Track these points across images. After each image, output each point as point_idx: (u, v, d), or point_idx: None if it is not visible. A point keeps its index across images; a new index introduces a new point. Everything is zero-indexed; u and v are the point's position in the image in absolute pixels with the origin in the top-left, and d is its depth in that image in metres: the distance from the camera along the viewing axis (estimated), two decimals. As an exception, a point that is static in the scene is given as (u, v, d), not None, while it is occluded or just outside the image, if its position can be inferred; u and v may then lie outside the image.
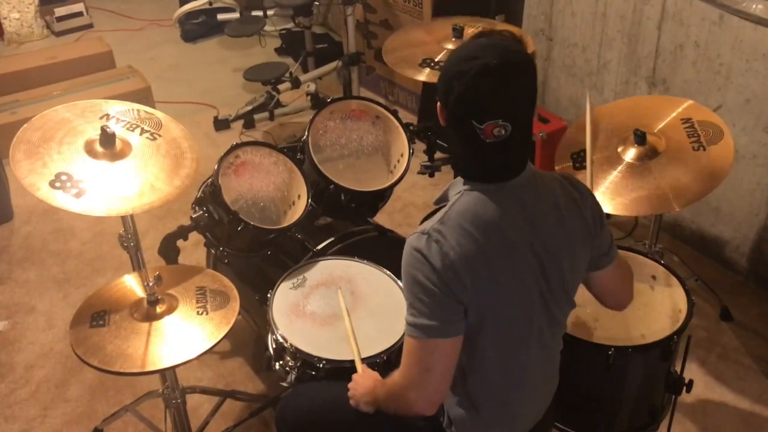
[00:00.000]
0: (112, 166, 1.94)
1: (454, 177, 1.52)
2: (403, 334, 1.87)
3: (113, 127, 1.99)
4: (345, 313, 1.95)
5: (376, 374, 1.68)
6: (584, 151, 2.21)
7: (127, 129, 2.03)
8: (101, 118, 2.03)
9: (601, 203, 1.57)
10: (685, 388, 1.99)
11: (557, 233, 1.46)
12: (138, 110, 2.11)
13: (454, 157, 1.45)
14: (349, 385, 1.68)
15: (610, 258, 1.59)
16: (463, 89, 1.32)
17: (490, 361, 1.50)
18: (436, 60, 2.57)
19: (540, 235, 1.44)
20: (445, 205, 1.45)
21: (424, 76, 2.54)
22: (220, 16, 4.82)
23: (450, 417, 1.58)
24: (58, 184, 1.84)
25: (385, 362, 1.86)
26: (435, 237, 1.38)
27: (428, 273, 1.37)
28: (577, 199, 1.50)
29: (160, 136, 2.06)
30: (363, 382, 1.67)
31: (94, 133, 1.97)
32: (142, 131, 2.05)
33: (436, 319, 1.39)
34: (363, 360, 1.84)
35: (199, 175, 2.05)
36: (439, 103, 1.41)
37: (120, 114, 2.07)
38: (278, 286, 2.08)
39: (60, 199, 1.82)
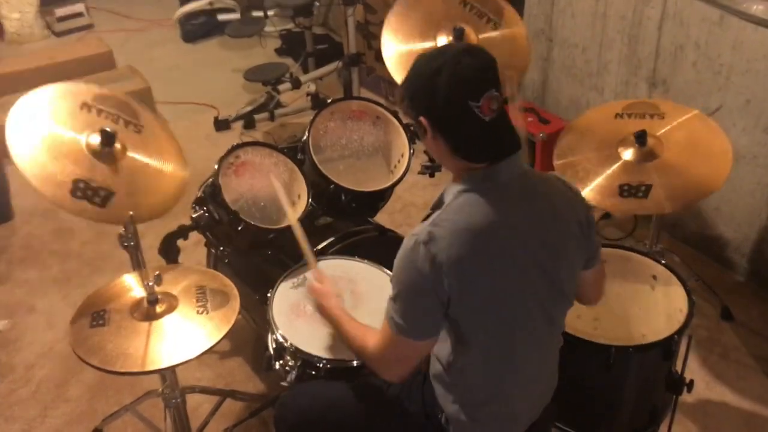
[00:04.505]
0: (115, 168, 1.94)
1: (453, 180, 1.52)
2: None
3: (97, 119, 1.99)
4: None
5: (338, 299, 1.78)
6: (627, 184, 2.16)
7: (113, 122, 2.02)
8: (81, 108, 2.00)
9: (595, 201, 1.58)
10: (685, 388, 1.99)
11: (554, 232, 1.47)
12: (109, 97, 2.08)
13: (458, 150, 1.44)
14: (312, 284, 1.80)
15: (598, 258, 1.61)
16: (451, 74, 1.36)
17: (485, 359, 1.50)
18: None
19: (537, 234, 1.44)
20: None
21: None
22: (221, 17, 4.83)
23: (447, 415, 1.58)
24: (79, 193, 1.84)
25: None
26: (424, 239, 1.39)
27: (413, 276, 1.40)
28: (571, 198, 1.52)
29: (142, 126, 2.07)
30: (326, 291, 1.78)
31: (88, 128, 1.97)
32: (127, 124, 2.04)
33: (408, 321, 1.43)
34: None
35: (199, 175, 2.05)
36: (422, 117, 1.42)
37: (96, 103, 2.03)
38: (278, 286, 2.08)
39: (90, 212, 1.84)
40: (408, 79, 1.45)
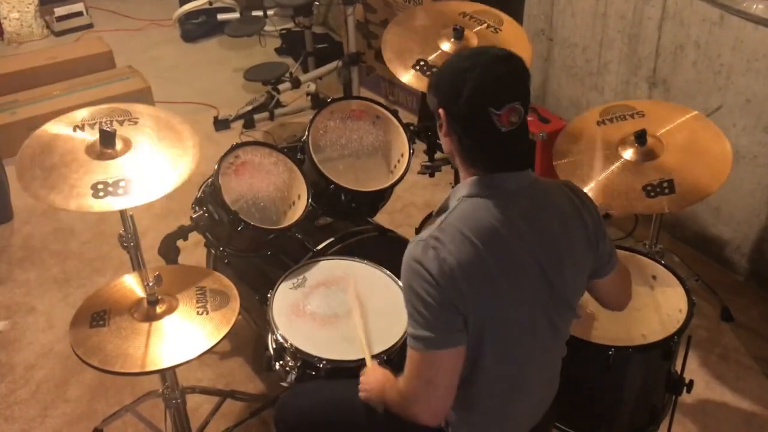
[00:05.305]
0: (126, 158, 1.96)
1: (455, 182, 1.52)
2: (404, 334, 1.89)
3: (93, 130, 2.01)
4: (356, 305, 1.96)
5: (387, 372, 1.65)
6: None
7: (107, 126, 2.03)
8: (75, 130, 2.03)
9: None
10: (685, 388, 1.99)
11: (561, 241, 1.45)
12: (98, 110, 2.11)
13: (466, 153, 1.44)
14: (361, 379, 1.68)
15: (612, 266, 1.59)
16: (480, 76, 1.36)
17: (490, 367, 1.49)
18: (430, 63, 2.44)
19: (543, 243, 1.43)
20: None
21: (414, 80, 2.42)
22: (221, 16, 4.82)
23: (447, 419, 1.57)
24: (101, 193, 1.85)
25: (385, 362, 1.86)
26: (432, 243, 1.37)
27: (425, 283, 1.36)
28: (579, 206, 1.50)
29: (137, 119, 2.08)
30: (375, 378, 1.65)
31: (88, 140, 1.99)
32: (122, 122, 2.06)
33: (434, 330, 1.37)
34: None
35: (199, 175, 2.05)
36: (441, 109, 1.42)
37: (88, 120, 2.07)
38: (278, 286, 2.08)
39: (116, 203, 1.85)
40: (440, 69, 1.46)
